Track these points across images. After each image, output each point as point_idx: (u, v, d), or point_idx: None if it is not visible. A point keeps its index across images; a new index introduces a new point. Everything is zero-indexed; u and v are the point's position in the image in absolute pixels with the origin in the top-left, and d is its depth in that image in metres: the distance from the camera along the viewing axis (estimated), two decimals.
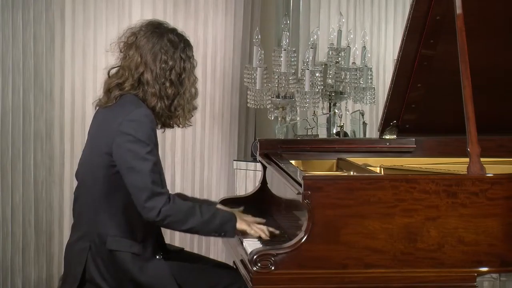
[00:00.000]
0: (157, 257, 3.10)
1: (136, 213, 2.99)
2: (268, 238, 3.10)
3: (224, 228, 3.04)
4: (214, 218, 3.02)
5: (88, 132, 3.19)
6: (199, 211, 3.00)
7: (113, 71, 3.14)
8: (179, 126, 3.17)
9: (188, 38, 3.15)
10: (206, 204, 3.14)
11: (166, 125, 3.16)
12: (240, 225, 3.08)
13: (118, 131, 2.97)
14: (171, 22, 4.81)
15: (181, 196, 3.32)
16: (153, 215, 2.93)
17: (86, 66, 4.76)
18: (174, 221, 2.97)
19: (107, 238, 3.01)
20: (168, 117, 3.11)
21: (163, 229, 3.23)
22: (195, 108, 3.17)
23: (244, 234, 3.12)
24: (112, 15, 4.82)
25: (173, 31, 3.11)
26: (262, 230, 3.12)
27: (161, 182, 3.00)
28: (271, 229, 3.14)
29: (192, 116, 3.18)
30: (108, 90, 3.10)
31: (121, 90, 3.07)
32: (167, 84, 3.05)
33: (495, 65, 3.44)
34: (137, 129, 2.95)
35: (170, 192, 3.07)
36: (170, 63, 3.05)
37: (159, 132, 3.17)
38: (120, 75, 3.08)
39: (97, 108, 3.17)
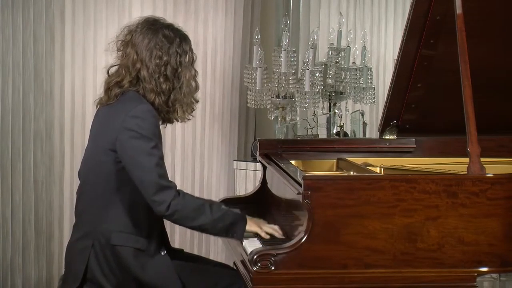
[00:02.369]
0: (162, 253, 3.10)
1: (140, 209, 3.00)
2: (282, 237, 3.10)
3: (234, 229, 3.04)
4: (224, 218, 3.02)
5: (90, 131, 3.19)
6: (209, 209, 3.00)
7: (113, 69, 3.15)
8: (178, 121, 3.18)
9: (185, 33, 3.15)
10: (216, 204, 3.14)
11: (166, 120, 3.17)
12: (250, 227, 3.08)
13: (121, 128, 2.98)
14: (171, 22, 4.82)
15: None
16: (162, 209, 2.93)
17: (86, 66, 4.77)
18: (184, 217, 2.97)
19: (111, 234, 3.02)
20: (167, 112, 3.12)
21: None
22: (196, 101, 3.17)
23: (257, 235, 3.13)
24: (112, 15, 4.82)
25: (169, 26, 3.12)
26: (275, 230, 3.13)
27: (167, 175, 3.01)
28: (279, 230, 3.15)
29: (194, 110, 3.18)
30: (108, 89, 3.12)
31: (120, 88, 3.08)
32: (162, 79, 3.06)
33: (495, 65, 3.45)
34: (140, 125, 2.97)
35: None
36: (165, 58, 3.06)
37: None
38: (119, 73, 3.10)
39: (98, 107, 3.18)
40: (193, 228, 3.06)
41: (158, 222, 3.10)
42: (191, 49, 3.14)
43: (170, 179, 3.03)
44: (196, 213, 2.98)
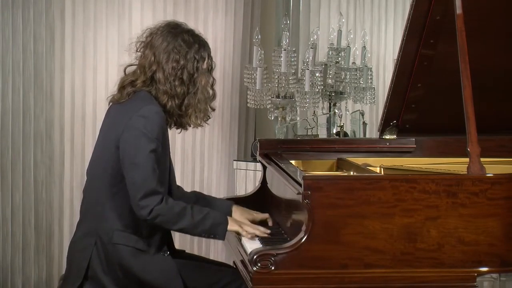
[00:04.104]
0: (162, 253, 3.12)
1: None
2: (264, 235, 3.13)
3: (213, 231, 3.07)
4: (204, 220, 3.05)
5: (100, 128, 3.22)
6: (190, 213, 3.03)
7: (130, 69, 3.18)
8: (190, 126, 3.19)
9: (205, 40, 3.18)
10: (199, 206, 3.15)
11: (178, 124, 3.19)
12: (232, 226, 3.11)
13: (127, 126, 3.00)
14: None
15: (197, 194, 3.38)
16: (144, 213, 2.96)
17: (86, 66, 4.77)
18: (165, 221, 3.00)
19: (113, 233, 3.04)
20: (179, 116, 3.14)
21: None
22: (212, 109, 3.21)
23: (239, 234, 3.16)
24: (112, 15, 4.82)
25: (189, 31, 3.15)
26: (256, 229, 3.16)
27: (160, 181, 3.02)
28: (262, 229, 3.17)
29: (209, 117, 3.21)
30: (122, 87, 3.14)
31: (133, 87, 3.11)
32: (177, 83, 3.08)
33: (495, 65, 3.44)
34: (145, 125, 2.99)
35: (183, 189, 3.18)
36: (182, 62, 3.08)
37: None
38: (134, 73, 3.14)
39: (110, 104, 3.20)
40: (174, 230, 3.10)
41: None
42: (209, 56, 3.17)
43: None
44: (177, 217, 3.01)
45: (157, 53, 3.08)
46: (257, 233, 3.14)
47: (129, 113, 3.02)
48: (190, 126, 3.19)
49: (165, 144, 3.08)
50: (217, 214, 3.12)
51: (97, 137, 3.24)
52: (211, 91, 3.18)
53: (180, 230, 3.07)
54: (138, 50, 3.15)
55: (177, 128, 3.22)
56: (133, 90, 3.10)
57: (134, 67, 3.17)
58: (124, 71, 3.19)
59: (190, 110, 3.12)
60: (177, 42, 3.09)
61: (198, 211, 3.05)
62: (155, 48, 3.09)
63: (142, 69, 3.10)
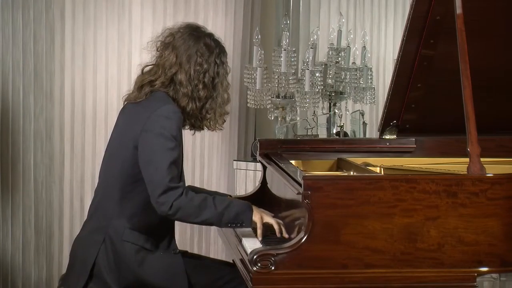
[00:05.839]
0: (172, 252, 3.13)
1: (154, 209, 3.02)
2: (281, 233, 3.11)
3: (239, 219, 3.06)
4: (229, 209, 3.04)
5: (114, 127, 3.22)
6: (212, 203, 3.02)
7: (147, 68, 3.19)
8: (209, 129, 3.23)
9: (224, 45, 3.21)
10: (220, 196, 3.17)
11: (195, 126, 3.22)
12: (255, 216, 3.10)
13: (145, 125, 3.02)
14: (171, 22, 4.81)
15: (192, 188, 3.36)
16: (165, 209, 2.96)
17: (86, 66, 4.77)
18: (187, 214, 2.99)
19: (124, 231, 3.05)
20: (198, 118, 3.17)
21: None
22: (226, 113, 3.23)
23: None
24: (112, 15, 4.82)
25: (210, 35, 3.18)
26: (276, 223, 3.12)
27: (178, 177, 3.02)
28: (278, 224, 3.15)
29: (224, 121, 3.24)
30: (140, 86, 3.15)
31: (152, 87, 3.12)
32: (200, 86, 3.11)
33: (495, 65, 3.45)
34: (163, 124, 3.00)
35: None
36: (205, 66, 3.11)
37: (188, 133, 3.24)
38: (153, 73, 3.15)
39: (125, 103, 3.21)
40: (198, 223, 3.08)
41: (168, 223, 3.11)
42: (226, 62, 3.20)
43: None
44: (199, 208, 3.00)
45: (179, 55, 3.10)
46: (275, 226, 3.10)
47: (147, 112, 3.04)
48: (209, 129, 3.22)
49: (180, 145, 3.08)
50: (240, 202, 3.13)
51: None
52: (226, 95, 3.21)
53: (204, 222, 3.05)
54: (158, 50, 3.16)
55: (190, 130, 3.24)
56: (150, 90, 3.12)
57: (151, 67, 3.18)
58: (142, 70, 3.20)
59: (210, 114, 3.16)
60: (200, 45, 3.12)
61: (220, 201, 3.05)
62: (177, 49, 3.11)
63: (162, 70, 3.11)
